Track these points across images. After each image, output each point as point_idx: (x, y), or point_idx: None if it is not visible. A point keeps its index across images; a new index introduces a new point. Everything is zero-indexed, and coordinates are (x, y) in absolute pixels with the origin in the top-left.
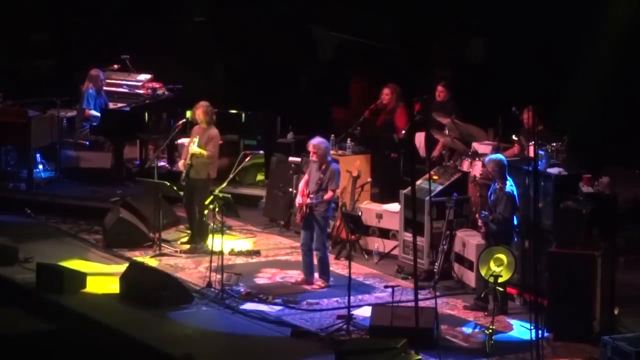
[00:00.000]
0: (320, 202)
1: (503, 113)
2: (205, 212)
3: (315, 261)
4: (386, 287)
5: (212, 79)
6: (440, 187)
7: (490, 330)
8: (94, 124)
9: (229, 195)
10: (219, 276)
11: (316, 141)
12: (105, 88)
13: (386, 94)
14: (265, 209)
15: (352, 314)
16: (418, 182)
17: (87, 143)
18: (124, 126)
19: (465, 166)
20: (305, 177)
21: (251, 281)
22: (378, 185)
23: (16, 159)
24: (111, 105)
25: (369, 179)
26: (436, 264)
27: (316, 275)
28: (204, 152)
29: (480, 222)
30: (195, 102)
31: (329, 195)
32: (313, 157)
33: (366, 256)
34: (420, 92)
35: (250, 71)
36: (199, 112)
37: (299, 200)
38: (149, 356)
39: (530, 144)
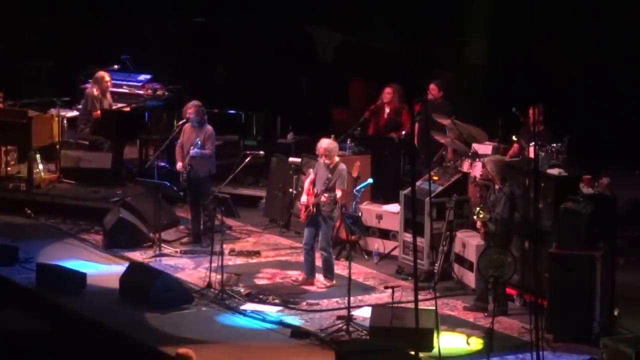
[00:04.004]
0: (330, 202)
1: (503, 113)
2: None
3: (319, 262)
4: (386, 287)
5: (212, 79)
6: (440, 188)
7: (490, 331)
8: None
9: (228, 196)
10: (218, 277)
11: (326, 143)
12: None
13: (388, 92)
14: (265, 209)
15: (352, 315)
16: (418, 183)
17: (87, 143)
18: (124, 126)
19: (465, 167)
20: (311, 176)
21: (251, 282)
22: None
23: (16, 159)
24: None
25: (369, 180)
26: (436, 264)
27: (319, 276)
28: (206, 152)
29: (479, 224)
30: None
31: (339, 194)
32: (325, 160)
33: (366, 257)
34: (420, 92)
35: (250, 71)
36: (191, 110)
37: (304, 199)
38: (148, 356)
39: (531, 144)
